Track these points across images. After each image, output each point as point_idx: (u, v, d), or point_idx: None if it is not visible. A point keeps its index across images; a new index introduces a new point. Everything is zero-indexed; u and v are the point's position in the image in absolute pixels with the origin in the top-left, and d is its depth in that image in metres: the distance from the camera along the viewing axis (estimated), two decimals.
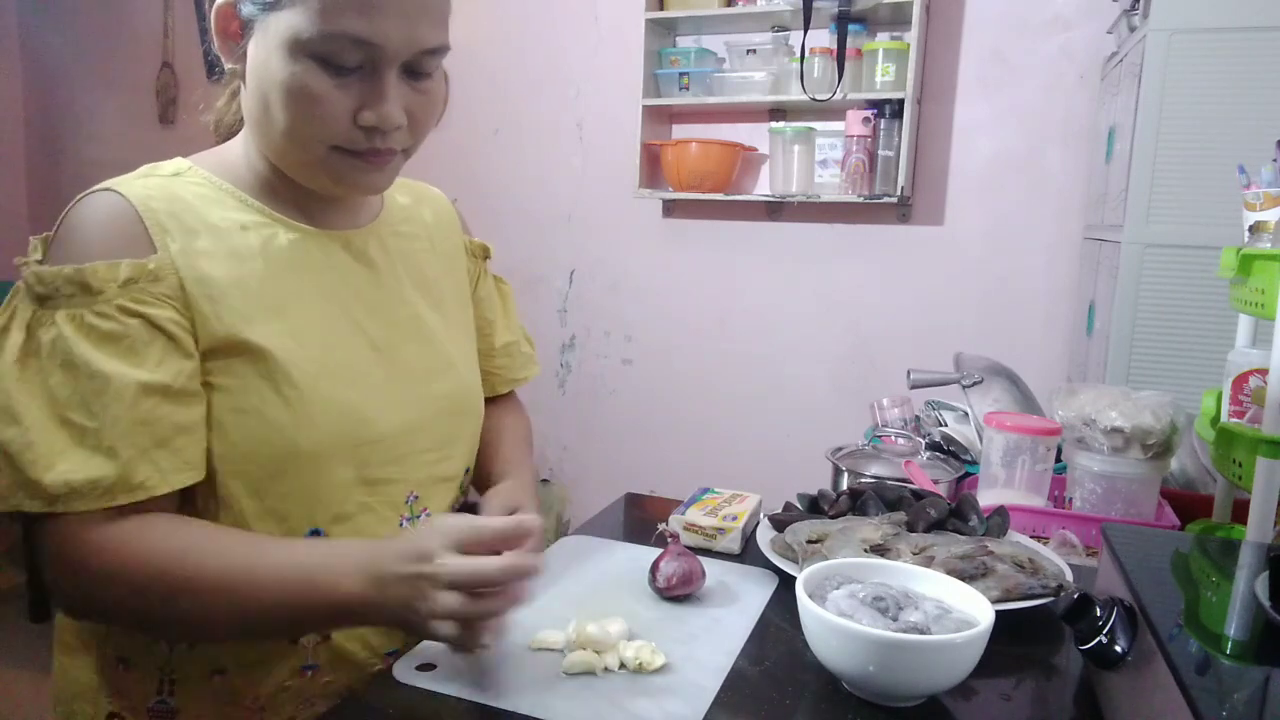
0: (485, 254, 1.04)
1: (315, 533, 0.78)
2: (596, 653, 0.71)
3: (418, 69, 0.75)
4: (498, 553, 0.68)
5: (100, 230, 0.71)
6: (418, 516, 0.85)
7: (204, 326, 0.73)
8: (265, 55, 0.72)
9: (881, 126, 2.29)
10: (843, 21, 2.23)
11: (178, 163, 0.80)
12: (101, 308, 0.69)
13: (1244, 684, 0.53)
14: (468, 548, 0.67)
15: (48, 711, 0.83)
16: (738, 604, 0.84)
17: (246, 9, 0.72)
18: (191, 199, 0.76)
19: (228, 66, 0.77)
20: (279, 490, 0.75)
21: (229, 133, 0.86)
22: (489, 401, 1.01)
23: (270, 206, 0.80)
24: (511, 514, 0.84)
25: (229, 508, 0.75)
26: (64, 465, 0.66)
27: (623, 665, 0.71)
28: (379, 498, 0.81)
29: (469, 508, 0.92)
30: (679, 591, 0.84)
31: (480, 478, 0.97)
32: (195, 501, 0.75)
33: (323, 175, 0.77)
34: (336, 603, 0.67)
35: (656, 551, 0.94)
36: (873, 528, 0.88)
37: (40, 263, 0.71)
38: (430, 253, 0.94)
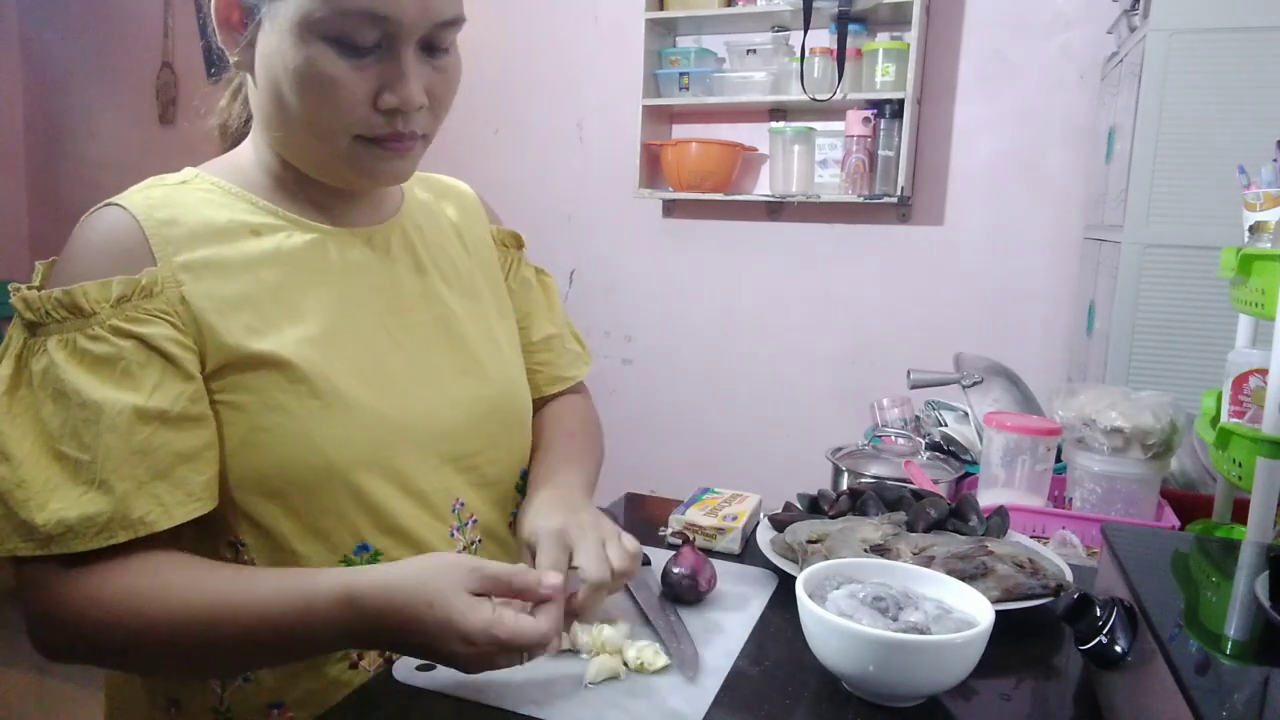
0: (518, 243, 0.99)
1: (363, 548, 0.74)
2: (610, 653, 0.71)
3: (435, 44, 0.71)
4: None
5: (97, 248, 0.68)
6: (466, 524, 0.82)
7: (213, 342, 0.69)
8: (275, 43, 0.68)
9: (881, 126, 2.30)
10: (843, 21, 2.23)
11: (186, 172, 0.77)
12: (94, 330, 0.65)
13: (1244, 684, 0.53)
14: (484, 591, 0.62)
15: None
16: (738, 604, 0.84)
17: None
18: (198, 205, 0.72)
19: (232, 59, 0.73)
20: (317, 508, 0.72)
21: (236, 137, 0.83)
22: (545, 401, 0.97)
23: (285, 207, 0.77)
24: (548, 535, 0.72)
25: (268, 533, 0.71)
26: (57, 503, 0.62)
27: (625, 665, 0.71)
28: (427, 509, 0.78)
29: None
30: (709, 591, 0.84)
31: (528, 484, 0.89)
32: (228, 530, 0.71)
33: (345, 168, 0.73)
34: (326, 638, 0.64)
35: (656, 552, 0.94)
36: (873, 528, 0.88)
37: (39, 288, 0.67)
38: (459, 245, 0.90)
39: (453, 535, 0.81)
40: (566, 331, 1.02)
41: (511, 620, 0.60)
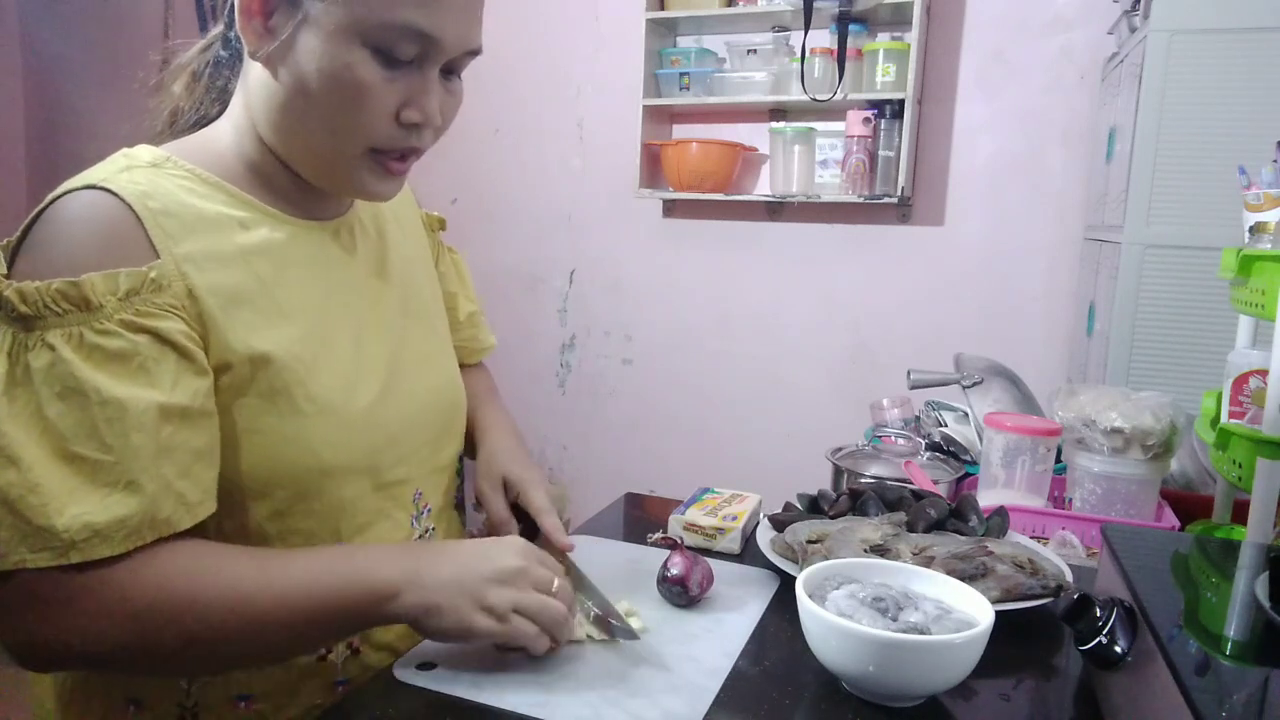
0: (442, 225, 1.01)
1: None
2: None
3: (455, 68, 0.73)
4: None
5: (93, 235, 0.64)
6: (422, 513, 0.84)
7: (218, 340, 0.67)
8: (314, 43, 0.66)
9: (882, 127, 2.29)
10: (843, 22, 2.23)
11: (153, 152, 0.72)
12: (102, 324, 0.61)
13: (1244, 685, 0.53)
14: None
15: None
16: (738, 604, 0.84)
17: None
18: (178, 192, 0.69)
19: (249, 50, 0.69)
20: (303, 510, 0.72)
21: (187, 126, 0.79)
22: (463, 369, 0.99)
23: (260, 198, 0.74)
24: (512, 482, 0.89)
25: (251, 535, 0.71)
26: (78, 508, 0.59)
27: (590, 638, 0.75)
28: (392, 501, 0.80)
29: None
30: (703, 593, 0.83)
31: (477, 429, 0.97)
32: (202, 529, 0.67)
33: (347, 176, 0.73)
34: (370, 591, 0.65)
35: (657, 552, 0.94)
36: (873, 528, 0.88)
37: (8, 276, 0.63)
38: (400, 234, 0.90)
39: (412, 525, 0.83)
40: (478, 306, 1.06)
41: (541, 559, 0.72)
